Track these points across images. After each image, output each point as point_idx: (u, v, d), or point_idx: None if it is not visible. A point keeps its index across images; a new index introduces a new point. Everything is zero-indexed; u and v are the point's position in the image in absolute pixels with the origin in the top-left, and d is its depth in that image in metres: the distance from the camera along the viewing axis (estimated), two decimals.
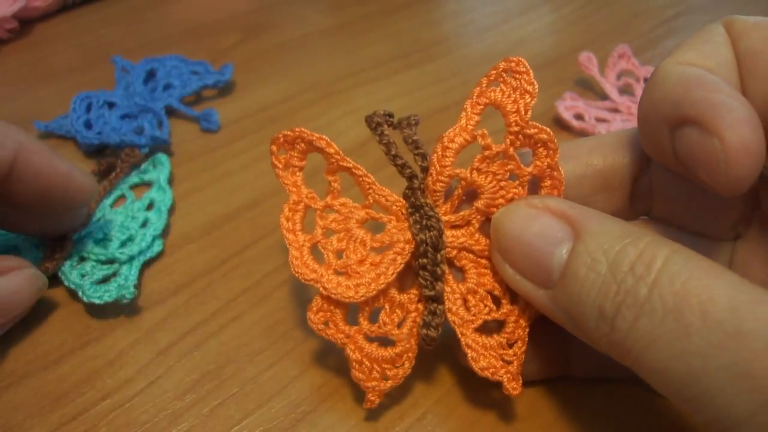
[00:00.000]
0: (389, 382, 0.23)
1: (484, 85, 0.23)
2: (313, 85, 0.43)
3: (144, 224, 0.31)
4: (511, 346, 0.23)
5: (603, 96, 0.42)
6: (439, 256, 0.23)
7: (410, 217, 0.23)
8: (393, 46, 0.48)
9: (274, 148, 0.24)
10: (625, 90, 0.43)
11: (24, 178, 0.24)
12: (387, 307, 0.24)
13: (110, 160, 0.35)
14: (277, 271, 0.30)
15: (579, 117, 0.40)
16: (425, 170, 0.23)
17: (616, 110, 0.41)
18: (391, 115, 0.24)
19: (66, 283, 0.28)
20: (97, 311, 0.28)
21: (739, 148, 0.17)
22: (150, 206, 0.33)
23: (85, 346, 0.27)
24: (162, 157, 0.36)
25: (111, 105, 0.38)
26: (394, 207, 0.24)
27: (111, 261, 0.29)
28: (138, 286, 0.29)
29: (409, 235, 0.23)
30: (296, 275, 0.23)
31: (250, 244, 0.32)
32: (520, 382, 0.23)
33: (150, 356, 0.26)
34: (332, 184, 0.24)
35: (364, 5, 0.54)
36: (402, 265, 0.23)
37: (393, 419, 0.24)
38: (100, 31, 0.49)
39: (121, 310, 0.28)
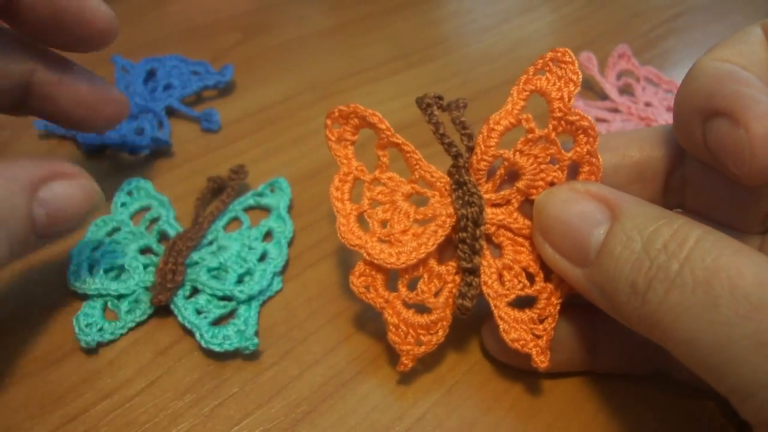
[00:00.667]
0: (423, 347, 0.25)
1: (530, 73, 0.24)
2: (313, 85, 0.43)
3: (262, 258, 0.29)
4: (541, 321, 0.24)
5: (603, 96, 0.42)
6: (478, 231, 0.24)
7: (453, 193, 0.24)
8: (393, 46, 0.48)
9: (329, 122, 0.25)
10: (625, 90, 0.43)
11: None
12: (426, 276, 0.25)
13: (222, 176, 0.33)
14: None
15: None
16: (470, 150, 0.25)
17: (616, 110, 0.41)
18: (440, 98, 0.26)
19: (179, 318, 0.27)
20: None
21: (763, 138, 0.18)
22: (267, 236, 0.31)
23: None
24: (282, 182, 0.33)
25: None
26: (438, 183, 0.25)
27: (227, 297, 0.27)
28: (257, 332, 0.27)
29: (451, 210, 0.24)
30: (342, 240, 0.25)
31: None
32: (548, 356, 0.24)
33: (150, 356, 0.26)
34: (381, 158, 0.25)
35: (364, 5, 0.54)
36: (442, 238, 0.24)
37: (393, 419, 0.25)
38: None
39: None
